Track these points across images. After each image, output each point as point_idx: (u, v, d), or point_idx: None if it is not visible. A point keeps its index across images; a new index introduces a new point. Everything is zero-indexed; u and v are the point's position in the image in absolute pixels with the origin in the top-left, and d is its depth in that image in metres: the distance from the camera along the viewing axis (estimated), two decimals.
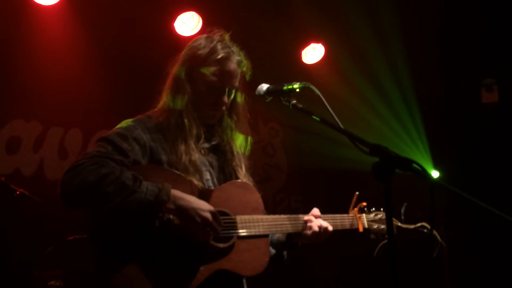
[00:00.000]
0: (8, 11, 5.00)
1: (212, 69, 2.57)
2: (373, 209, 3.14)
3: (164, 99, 2.62)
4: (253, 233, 2.53)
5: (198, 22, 5.66)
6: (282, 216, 2.70)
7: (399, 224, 3.15)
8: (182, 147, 2.50)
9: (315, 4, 5.74)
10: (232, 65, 2.60)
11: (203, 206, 2.35)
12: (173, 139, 2.51)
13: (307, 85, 2.55)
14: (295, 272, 5.94)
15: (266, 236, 2.60)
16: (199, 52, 2.59)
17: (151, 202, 2.26)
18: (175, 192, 2.32)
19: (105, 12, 5.30)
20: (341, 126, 2.34)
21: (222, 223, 2.41)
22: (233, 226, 2.49)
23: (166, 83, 2.65)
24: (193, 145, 2.52)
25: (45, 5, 5.05)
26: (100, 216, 2.30)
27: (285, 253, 2.84)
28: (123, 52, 5.58)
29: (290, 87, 2.55)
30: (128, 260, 2.27)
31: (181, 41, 5.62)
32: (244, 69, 2.67)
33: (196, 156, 2.51)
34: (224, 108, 2.64)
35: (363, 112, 6.50)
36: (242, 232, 2.50)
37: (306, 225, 2.74)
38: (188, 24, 5.66)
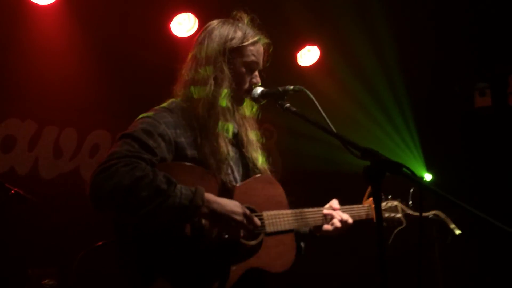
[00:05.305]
0: (4, 11, 5.00)
1: (250, 48, 2.59)
2: (388, 196, 3.10)
3: (190, 88, 2.51)
4: (280, 229, 2.51)
5: (194, 23, 5.67)
6: (305, 209, 2.70)
7: (409, 212, 3.02)
8: (208, 142, 2.43)
9: (310, 6, 5.77)
10: (262, 47, 2.65)
11: (237, 209, 2.31)
12: (199, 133, 2.44)
13: (301, 89, 2.57)
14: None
15: (291, 231, 2.59)
16: (233, 34, 2.59)
17: (186, 207, 2.17)
18: (209, 196, 2.25)
19: (101, 13, 5.31)
20: (334, 129, 2.35)
21: (257, 222, 2.37)
22: (261, 222, 2.45)
23: (187, 71, 2.56)
24: (219, 139, 2.45)
25: (41, 5, 5.05)
26: (131, 220, 2.20)
27: (302, 244, 2.81)
28: (119, 52, 5.59)
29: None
30: (162, 264, 2.21)
31: (177, 42, 5.64)
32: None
33: (221, 150, 2.43)
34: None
35: (357, 115, 6.53)
36: (270, 228, 2.47)
37: (326, 219, 2.76)
38: (184, 25, 5.66)
